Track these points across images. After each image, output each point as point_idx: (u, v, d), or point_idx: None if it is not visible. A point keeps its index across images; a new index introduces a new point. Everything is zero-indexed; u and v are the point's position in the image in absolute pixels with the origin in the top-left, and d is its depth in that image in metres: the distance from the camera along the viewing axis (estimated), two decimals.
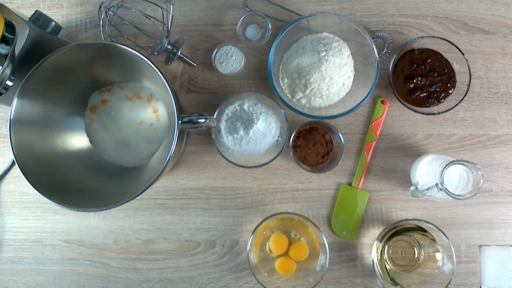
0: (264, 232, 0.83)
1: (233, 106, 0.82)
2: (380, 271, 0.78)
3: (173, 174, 0.85)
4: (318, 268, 0.79)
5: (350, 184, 0.83)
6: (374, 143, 0.83)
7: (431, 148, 0.83)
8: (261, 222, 0.79)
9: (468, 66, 0.79)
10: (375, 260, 0.78)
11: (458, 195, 0.71)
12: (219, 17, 0.87)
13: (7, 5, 0.74)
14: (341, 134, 0.81)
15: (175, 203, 0.85)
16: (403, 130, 0.84)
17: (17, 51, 0.69)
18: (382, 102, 0.83)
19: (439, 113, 0.81)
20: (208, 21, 0.87)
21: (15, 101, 0.70)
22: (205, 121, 0.71)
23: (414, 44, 0.82)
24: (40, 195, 0.70)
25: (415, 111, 0.81)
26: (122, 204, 0.68)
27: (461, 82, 0.81)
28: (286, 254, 0.82)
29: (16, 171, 0.86)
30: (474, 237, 0.82)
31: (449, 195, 0.70)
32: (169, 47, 0.82)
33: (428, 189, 0.72)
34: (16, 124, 0.71)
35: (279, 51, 0.82)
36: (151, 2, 0.82)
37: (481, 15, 0.85)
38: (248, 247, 0.79)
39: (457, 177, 0.75)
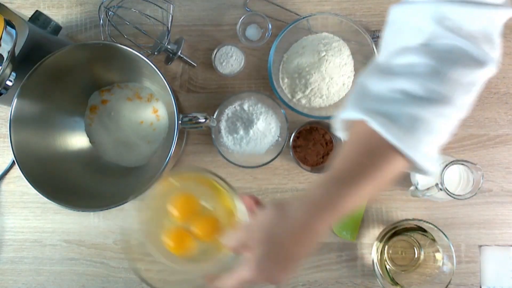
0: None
1: (233, 106, 0.82)
2: (380, 271, 0.78)
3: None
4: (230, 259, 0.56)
5: None
6: None
7: None
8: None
9: None
10: (375, 260, 0.78)
11: (458, 195, 0.71)
12: (219, 17, 0.87)
13: (7, 5, 0.74)
14: None
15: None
16: None
17: (17, 51, 0.69)
18: None
19: None
20: (208, 21, 0.87)
21: (15, 101, 0.71)
22: (205, 121, 0.71)
23: None
24: (40, 195, 0.70)
25: None
26: (122, 204, 0.68)
27: None
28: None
29: (16, 171, 0.86)
30: (474, 237, 0.82)
31: (449, 195, 0.70)
32: (169, 47, 0.82)
33: (428, 189, 0.72)
34: (16, 124, 0.71)
35: (279, 51, 0.82)
36: (151, 2, 0.82)
37: None
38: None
39: (457, 177, 0.75)
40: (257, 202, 0.52)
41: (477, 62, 0.47)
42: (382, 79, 0.48)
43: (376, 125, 0.46)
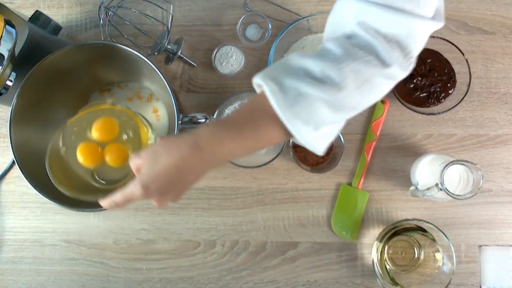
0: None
1: (233, 106, 0.82)
2: (380, 271, 0.78)
3: None
4: None
5: (350, 184, 0.83)
6: (374, 143, 0.83)
7: (431, 148, 0.83)
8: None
9: (468, 66, 0.79)
10: (375, 260, 0.78)
11: (458, 195, 0.71)
12: (219, 17, 0.87)
13: (7, 5, 0.74)
14: (341, 134, 0.81)
15: (175, 203, 0.85)
16: (403, 130, 0.84)
17: (17, 51, 0.69)
18: (382, 102, 0.83)
19: (439, 113, 0.81)
20: (208, 21, 0.87)
21: (15, 101, 0.70)
22: (205, 121, 0.71)
23: None
24: (40, 195, 0.70)
25: (415, 111, 0.81)
26: None
27: (461, 82, 0.81)
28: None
29: (16, 171, 0.86)
30: (474, 237, 0.82)
31: (449, 195, 0.70)
32: (169, 47, 0.82)
33: (428, 189, 0.72)
34: (16, 124, 0.71)
35: (279, 51, 0.82)
36: (151, 2, 0.82)
37: (481, 15, 0.85)
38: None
39: (457, 177, 0.75)
40: None
41: (382, 62, 0.50)
42: (301, 57, 0.52)
43: (266, 90, 0.51)
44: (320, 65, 0.50)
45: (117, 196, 0.54)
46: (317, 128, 0.52)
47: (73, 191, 0.67)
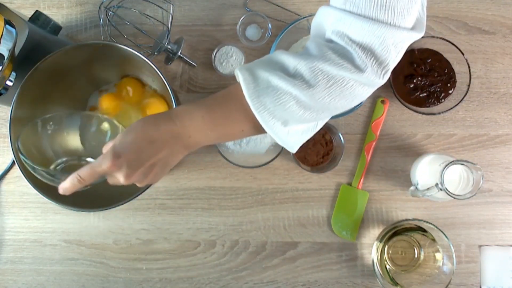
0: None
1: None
2: (380, 271, 0.78)
3: (173, 174, 0.85)
4: None
5: (350, 184, 0.83)
6: (374, 143, 0.83)
7: (431, 148, 0.83)
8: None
9: (468, 66, 0.79)
10: (375, 260, 0.78)
11: (458, 195, 0.71)
12: (219, 17, 0.87)
13: (7, 5, 0.74)
14: (341, 134, 0.81)
15: (175, 203, 0.85)
16: (403, 130, 0.84)
17: (17, 51, 0.69)
18: (382, 102, 0.83)
19: (439, 113, 0.81)
20: (208, 21, 0.87)
21: (15, 101, 0.70)
22: None
23: (414, 44, 0.82)
24: (40, 195, 0.70)
25: (415, 111, 0.81)
26: (122, 204, 0.69)
27: (461, 82, 0.81)
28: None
29: (16, 171, 0.86)
30: (474, 237, 0.82)
31: (449, 195, 0.70)
32: (169, 47, 0.82)
33: (428, 189, 0.72)
34: (16, 124, 0.71)
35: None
36: (151, 2, 0.82)
37: (481, 15, 0.85)
38: None
39: (457, 177, 0.75)
40: None
41: (355, 67, 0.50)
42: (282, 53, 0.54)
43: (240, 78, 0.53)
44: (294, 61, 0.52)
45: (84, 170, 0.53)
46: (285, 123, 0.53)
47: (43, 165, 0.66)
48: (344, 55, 0.51)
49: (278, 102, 0.51)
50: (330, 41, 0.53)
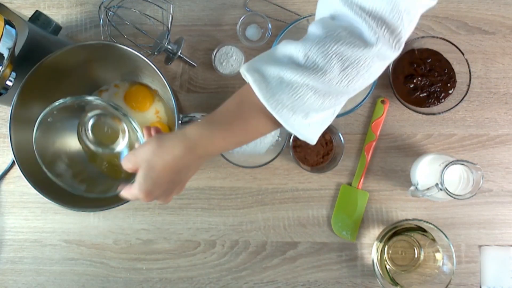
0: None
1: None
2: (380, 271, 0.78)
3: None
4: None
5: (350, 184, 0.83)
6: (374, 143, 0.83)
7: (431, 148, 0.83)
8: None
9: (468, 66, 0.79)
10: (375, 260, 0.78)
11: (458, 195, 0.71)
12: (219, 17, 0.87)
13: (7, 5, 0.74)
14: (341, 134, 0.81)
15: (175, 203, 0.85)
16: (403, 130, 0.84)
17: (17, 51, 0.69)
18: (382, 102, 0.83)
19: (439, 113, 0.81)
20: (208, 21, 0.87)
21: (15, 101, 0.70)
22: None
23: (414, 44, 0.82)
24: (40, 195, 0.70)
25: (415, 111, 0.81)
26: (122, 204, 0.69)
27: (461, 82, 0.81)
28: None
29: (16, 171, 0.86)
30: (474, 237, 0.82)
31: (449, 195, 0.70)
32: (169, 47, 0.82)
33: (428, 189, 0.72)
34: (16, 124, 0.71)
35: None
36: (151, 2, 0.82)
37: (481, 15, 0.85)
38: None
39: (457, 177, 0.75)
40: (157, 131, 0.60)
41: (366, 42, 0.49)
42: (285, 45, 0.52)
43: (250, 80, 0.51)
44: (303, 49, 0.49)
45: (125, 194, 0.58)
46: (306, 116, 0.52)
47: None
48: (353, 31, 0.49)
49: (296, 97, 0.49)
50: (333, 17, 0.51)
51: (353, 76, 0.50)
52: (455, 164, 0.70)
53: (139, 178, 0.55)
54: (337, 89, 0.50)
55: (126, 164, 0.57)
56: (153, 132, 0.59)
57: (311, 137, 0.55)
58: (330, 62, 0.48)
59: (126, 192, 0.58)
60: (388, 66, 0.81)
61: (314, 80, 0.49)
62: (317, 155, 0.82)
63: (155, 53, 0.82)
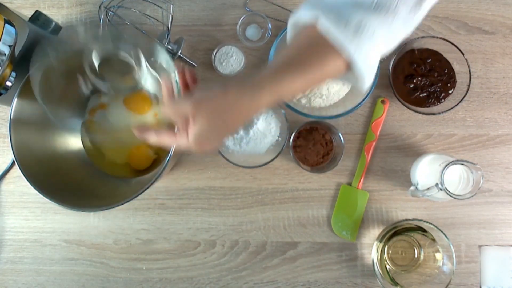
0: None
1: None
2: (380, 271, 0.78)
3: (173, 174, 0.85)
4: None
5: (350, 184, 0.83)
6: (374, 143, 0.83)
7: (431, 148, 0.83)
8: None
9: (468, 66, 0.79)
10: (375, 260, 0.78)
11: (458, 195, 0.71)
12: (219, 17, 0.87)
13: (7, 5, 0.74)
14: (341, 134, 0.81)
15: (175, 203, 0.85)
16: (403, 130, 0.84)
17: (17, 51, 0.69)
18: (382, 102, 0.83)
19: (439, 113, 0.81)
20: (208, 21, 0.87)
21: (15, 101, 0.71)
22: None
23: (414, 44, 0.82)
24: (40, 195, 0.70)
25: (415, 111, 0.81)
26: (122, 204, 0.69)
27: (461, 82, 0.81)
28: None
29: (16, 171, 0.86)
30: (474, 237, 0.82)
31: (449, 195, 0.70)
32: (169, 47, 0.82)
33: (428, 189, 0.72)
34: (16, 124, 0.71)
35: (279, 51, 0.82)
36: (151, 2, 0.82)
37: (481, 15, 0.85)
38: None
39: (457, 177, 0.75)
40: (194, 80, 0.57)
41: None
42: None
43: (326, 21, 0.50)
44: None
45: (164, 138, 0.56)
46: (376, 56, 0.52)
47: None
48: None
49: (372, 39, 0.49)
50: None
51: (412, 21, 0.51)
52: (455, 164, 0.70)
53: (196, 129, 0.52)
54: (407, 28, 0.52)
55: (174, 111, 0.54)
56: (190, 80, 0.57)
57: (369, 80, 0.54)
58: (398, 2, 0.49)
59: (167, 136, 0.55)
60: (388, 66, 0.82)
61: (387, 19, 0.49)
62: (317, 155, 0.82)
63: None
